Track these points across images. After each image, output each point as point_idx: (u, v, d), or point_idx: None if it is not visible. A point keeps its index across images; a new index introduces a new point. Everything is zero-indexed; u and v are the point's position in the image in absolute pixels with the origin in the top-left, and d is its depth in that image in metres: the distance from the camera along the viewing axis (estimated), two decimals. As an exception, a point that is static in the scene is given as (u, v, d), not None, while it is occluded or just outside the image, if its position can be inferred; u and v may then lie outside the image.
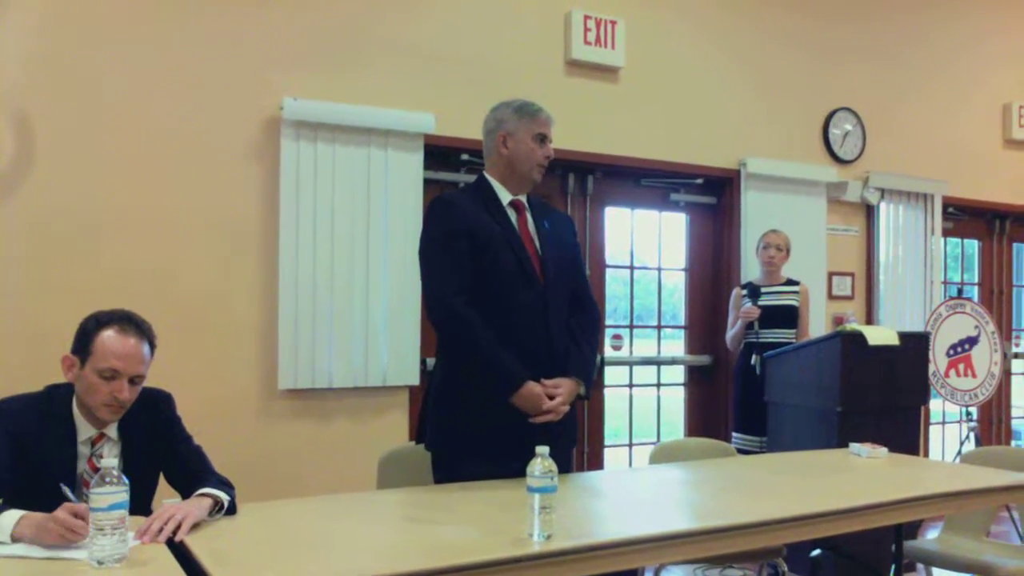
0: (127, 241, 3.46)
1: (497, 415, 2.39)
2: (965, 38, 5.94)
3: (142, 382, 2.10)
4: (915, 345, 4.09)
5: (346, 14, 3.89)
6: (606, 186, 4.75)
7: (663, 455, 3.18)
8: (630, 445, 4.91)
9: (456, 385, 2.46)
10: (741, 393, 4.40)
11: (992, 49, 6.08)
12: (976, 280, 6.27)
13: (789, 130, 5.17)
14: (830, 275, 5.27)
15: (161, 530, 1.77)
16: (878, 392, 3.87)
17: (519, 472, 1.91)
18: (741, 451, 4.05)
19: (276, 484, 3.54)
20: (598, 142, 4.50)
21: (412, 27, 4.04)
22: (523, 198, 2.58)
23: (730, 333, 4.51)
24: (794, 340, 4.30)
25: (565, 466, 2.47)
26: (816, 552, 3.34)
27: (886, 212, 5.47)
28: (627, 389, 4.91)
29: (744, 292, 4.44)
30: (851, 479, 2.67)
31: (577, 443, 3.79)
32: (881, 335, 3.92)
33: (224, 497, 1.97)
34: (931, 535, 3.50)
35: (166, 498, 2.01)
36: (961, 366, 5.22)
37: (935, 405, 5.57)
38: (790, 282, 4.48)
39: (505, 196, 2.54)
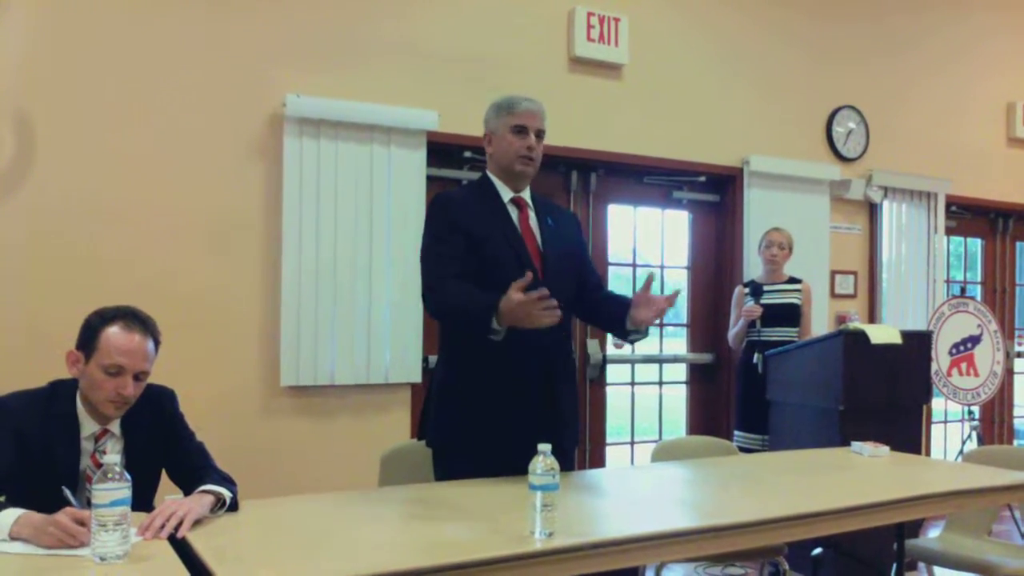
0: (129, 239, 3.47)
1: (499, 412, 2.39)
2: (969, 37, 5.93)
3: (146, 378, 2.11)
4: (917, 344, 4.08)
5: (349, 11, 3.89)
6: (609, 184, 4.75)
7: (665, 453, 3.18)
8: (632, 443, 4.91)
9: (458, 382, 2.46)
10: (743, 391, 4.40)
11: (996, 48, 6.06)
12: (979, 279, 6.26)
13: (792, 128, 5.16)
14: (833, 273, 5.26)
15: (163, 526, 1.77)
16: (880, 391, 3.86)
17: (521, 470, 1.91)
18: (743, 449, 4.05)
19: (278, 481, 3.55)
20: (601, 139, 4.50)
21: (415, 24, 4.04)
22: (526, 195, 2.58)
23: (732, 331, 4.51)
24: (796, 339, 4.30)
25: (567, 464, 2.47)
26: (817, 551, 3.34)
27: (889, 210, 5.46)
28: (629, 387, 4.91)
29: (746, 290, 4.43)
30: (853, 478, 2.67)
31: (579, 441, 3.80)
32: (883, 334, 3.91)
33: (226, 494, 1.97)
34: (933, 534, 3.50)
35: (168, 494, 2.01)
36: (963, 365, 5.22)
37: (937, 404, 5.56)
38: (792, 280, 4.48)
39: (506, 193, 2.54)
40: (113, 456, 1.67)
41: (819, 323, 4.80)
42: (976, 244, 6.28)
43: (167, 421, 2.21)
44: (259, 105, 3.70)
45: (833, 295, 5.27)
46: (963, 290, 5.67)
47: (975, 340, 5.24)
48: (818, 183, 5.14)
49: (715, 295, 5.05)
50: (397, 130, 3.91)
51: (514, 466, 2.25)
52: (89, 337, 2.05)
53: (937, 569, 3.17)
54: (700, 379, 5.07)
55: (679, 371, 5.07)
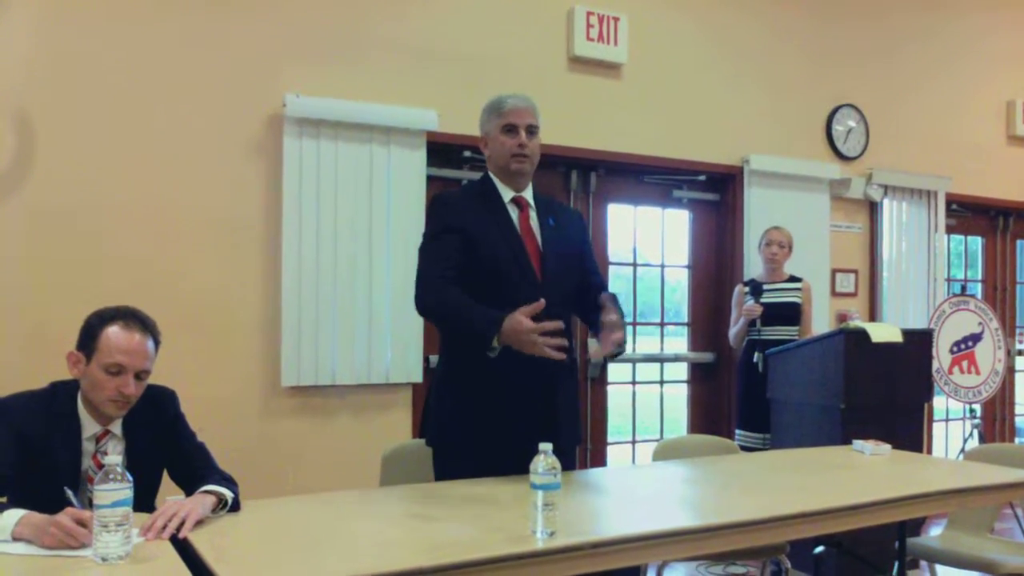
0: (129, 239, 3.47)
1: (500, 412, 2.39)
2: (969, 35, 5.93)
3: (147, 378, 2.11)
4: (918, 342, 4.08)
5: (349, 11, 3.89)
6: (609, 183, 4.75)
7: (666, 452, 3.17)
8: (633, 442, 4.91)
9: (459, 381, 2.46)
10: (744, 390, 4.40)
11: (996, 46, 6.06)
12: (979, 277, 6.26)
13: (792, 127, 5.16)
14: (833, 272, 5.26)
15: (165, 527, 1.77)
16: (881, 389, 3.86)
17: (522, 469, 1.91)
18: (744, 448, 4.05)
19: (279, 481, 3.55)
20: (601, 139, 4.50)
21: (415, 24, 4.04)
22: (528, 195, 2.57)
23: (732, 330, 4.51)
24: (797, 337, 4.30)
25: (568, 463, 2.47)
26: (819, 549, 3.34)
27: (889, 209, 5.46)
28: (630, 386, 4.91)
29: (746, 289, 4.43)
30: (854, 476, 2.67)
31: (581, 440, 3.80)
32: (884, 332, 3.91)
33: (228, 494, 1.97)
34: (934, 532, 3.50)
35: (170, 495, 2.01)
36: (964, 363, 5.22)
37: (938, 402, 5.57)
38: (793, 279, 4.47)
39: (507, 193, 2.54)
40: (115, 457, 1.68)
41: (820, 322, 4.80)
42: (976, 242, 6.27)
43: (168, 422, 2.21)
44: (258, 105, 3.70)
45: (834, 294, 5.27)
46: (964, 288, 5.66)
47: (976, 338, 5.24)
48: (818, 182, 5.14)
49: (715, 294, 5.05)
50: (397, 130, 3.91)
51: (515, 465, 2.25)
52: (89, 337, 2.06)
53: (939, 567, 3.17)
54: (701, 378, 5.07)
55: (680, 370, 5.07)
